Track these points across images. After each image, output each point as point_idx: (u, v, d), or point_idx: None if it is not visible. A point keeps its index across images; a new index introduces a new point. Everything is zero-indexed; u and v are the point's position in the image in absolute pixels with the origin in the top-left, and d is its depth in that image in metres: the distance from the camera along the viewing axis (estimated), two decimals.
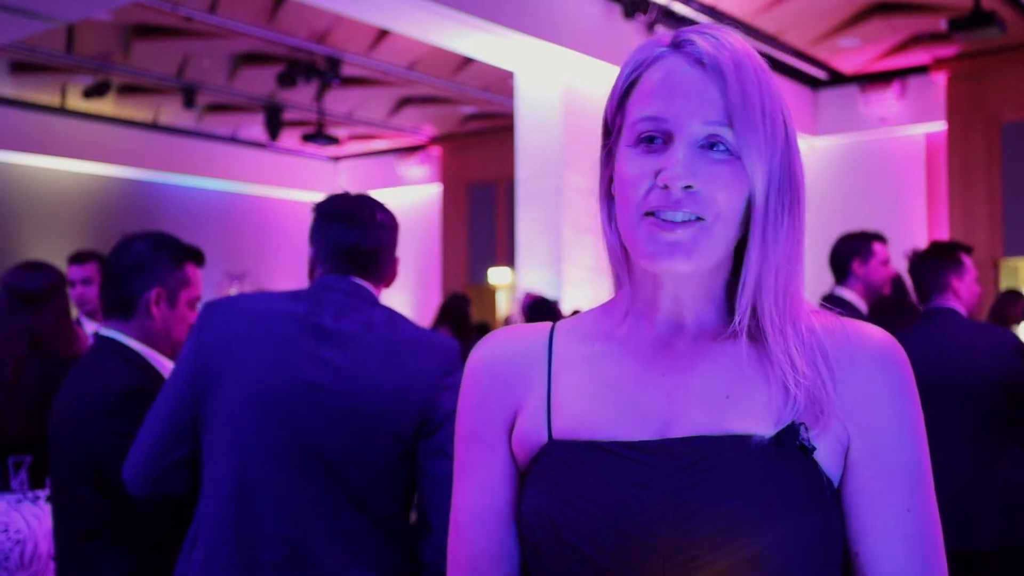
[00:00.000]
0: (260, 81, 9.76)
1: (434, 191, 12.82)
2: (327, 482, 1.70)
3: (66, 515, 1.99)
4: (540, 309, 5.36)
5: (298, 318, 1.78)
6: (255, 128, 11.67)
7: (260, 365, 1.73)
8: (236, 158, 12.38)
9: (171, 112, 11.00)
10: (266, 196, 13.07)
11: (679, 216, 0.87)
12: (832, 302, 2.99)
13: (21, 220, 10.62)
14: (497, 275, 11.75)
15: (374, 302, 1.85)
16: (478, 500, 0.97)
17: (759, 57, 0.92)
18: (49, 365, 2.58)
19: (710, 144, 0.88)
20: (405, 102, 10.86)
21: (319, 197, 1.97)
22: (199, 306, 1.99)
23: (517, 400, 0.97)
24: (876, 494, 0.89)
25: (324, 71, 8.91)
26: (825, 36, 8.45)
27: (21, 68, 9.31)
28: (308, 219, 1.94)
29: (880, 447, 0.90)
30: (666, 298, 0.94)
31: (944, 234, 8.90)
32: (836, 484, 0.90)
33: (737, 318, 0.92)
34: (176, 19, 7.82)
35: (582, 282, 7.25)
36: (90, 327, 3.65)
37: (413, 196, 13.00)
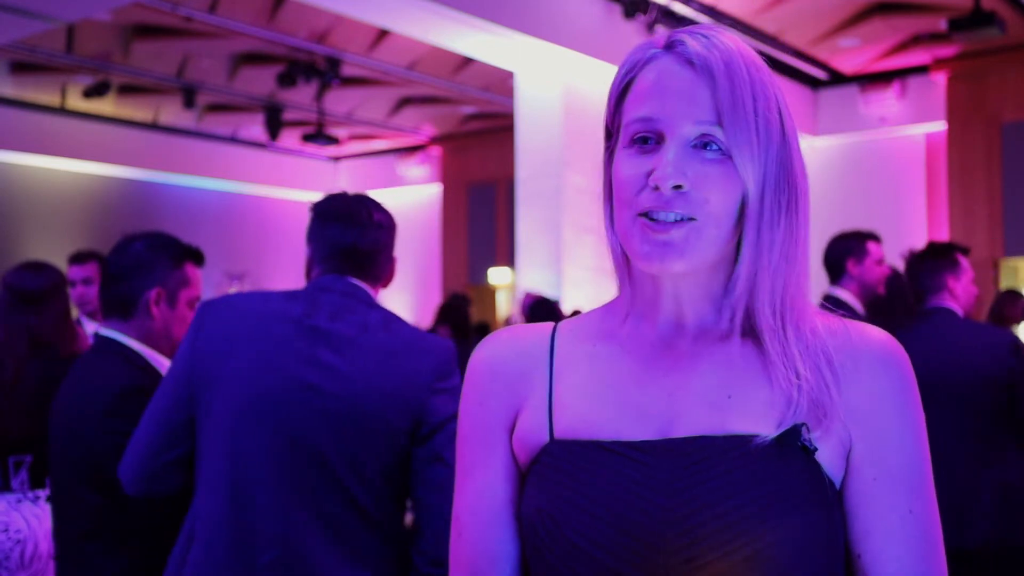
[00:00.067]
0: (260, 81, 9.77)
1: (434, 191, 12.83)
2: (323, 483, 1.70)
3: (66, 515, 1.99)
4: (541, 309, 5.36)
5: (294, 319, 1.77)
6: (255, 128, 11.67)
7: (255, 366, 1.73)
8: (236, 158, 12.39)
9: (171, 112, 11.00)
10: (266, 196, 13.07)
11: (671, 216, 0.87)
12: (828, 302, 3.00)
13: (21, 220, 10.62)
14: (497, 275, 11.75)
15: (371, 303, 1.85)
16: (479, 499, 0.98)
17: (755, 56, 0.92)
18: (49, 365, 2.58)
19: (703, 144, 0.88)
20: (405, 102, 10.86)
21: (319, 197, 1.97)
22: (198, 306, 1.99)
23: (518, 400, 0.97)
24: (878, 496, 0.89)
25: (324, 71, 8.91)
26: (825, 36, 8.45)
27: (21, 68, 9.31)
28: (307, 219, 1.94)
29: (883, 449, 0.90)
30: (666, 298, 0.94)
31: (944, 234, 8.90)
32: (838, 485, 0.90)
33: (726, 317, 0.93)
34: (176, 19, 7.83)
35: (582, 282, 7.25)
36: (90, 327, 3.65)
37: (413, 196, 13.00)
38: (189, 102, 9.91)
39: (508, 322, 8.87)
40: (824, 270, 3.50)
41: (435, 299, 11.41)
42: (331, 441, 1.70)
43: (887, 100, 9.30)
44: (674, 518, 0.85)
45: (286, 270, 12.44)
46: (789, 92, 8.60)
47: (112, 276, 2.10)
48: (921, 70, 9.14)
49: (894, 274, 3.72)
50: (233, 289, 11.67)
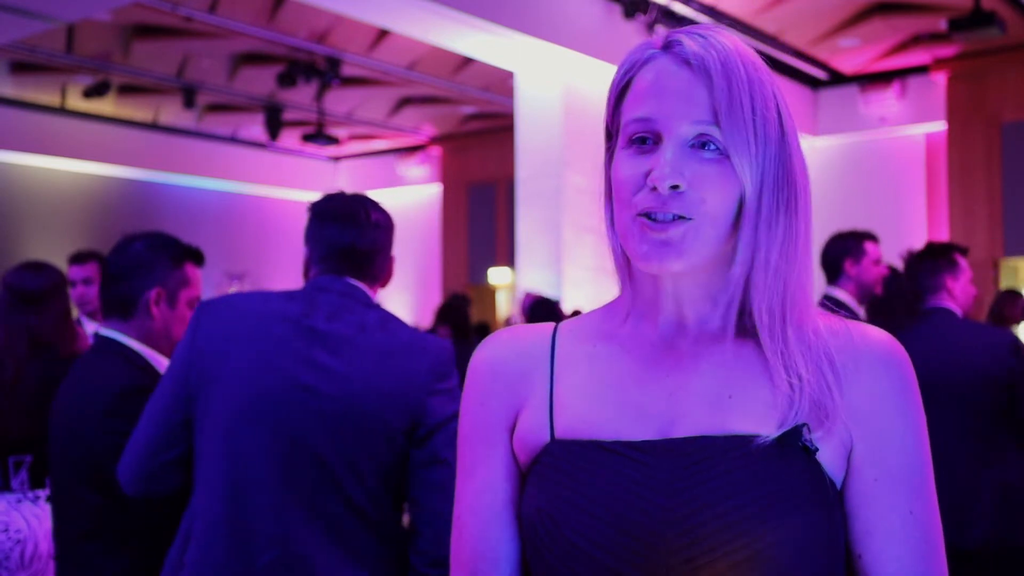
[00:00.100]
0: (260, 81, 9.77)
1: (434, 191, 12.83)
2: (321, 484, 1.70)
3: (66, 515, 1.99)
4: (541, 309, 5.36)
5: (291, 319, 1.77)
6: (255, 128, 11.67)
7: (252, 366, 1.73)
8: (236, 158, 12.39)
9: (171, 112, 11.00)
10: (266, 196, 13.07)
11: (668, 216, 0.87)
12: (825, 302, 3.00)
13: (21, 220, 10.62)
14: (497, 275, 11.76)
15: (368, 303, 1.84)
16: (480, 499, 0.98)
17: (753, 56, 0.92)
18: (49, 365, 2.58)
19: (701, 144, 0.88)
20: (405, 102, 10.86)
21: (318, 197, 1.97)
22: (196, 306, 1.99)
23: (519, 400, 0.97)
24: (880, 496, 0.89)
25: (324, 71, 8.91)
26: (825, 36, 8.46)
27: (21, 68, 9.31)
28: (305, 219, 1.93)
29: (884, 450, 0.90)
30: (667, 298, 0.94)
31: (944, 234, 8.90)
32: (839, 486, 0.90)
33: (707, 311, 0.93)
34: (176, 19, 7.83)
35: (582, 282, 7.25)
36: (90, 327, 3.65)
37: (413, 196, 13.00)
38: (189, 102, 9.91)
39: (508, 322, 8.87)
40: (821, 270, 3.50)
41: (435, 299, 11.41)
42: (329, 442, 1.70)
43: (887, 100, 9.30)
44: (674, 518, 0.85)
45: (286, 270, 12.44)
46: (789, 92, 8.61)
47: (112, 276, 2.10)
48: (921, 70, 9.15)
49: (893, 274, 3.72)
50: (233, 289, 11.67)
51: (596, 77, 7.14)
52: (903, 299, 3.44)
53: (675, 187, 0.87)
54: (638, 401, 0.92)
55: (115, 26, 8.12)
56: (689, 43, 0.90)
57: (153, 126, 11.46)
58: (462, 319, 6.05)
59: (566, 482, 0.89)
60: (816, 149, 9.77)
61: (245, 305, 1.82)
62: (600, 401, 0.93)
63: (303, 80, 8.96)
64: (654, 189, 0.87)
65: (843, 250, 3.39)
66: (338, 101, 10.61)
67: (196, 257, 2.18)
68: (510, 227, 9.98)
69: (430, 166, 12.79)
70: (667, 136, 0.88)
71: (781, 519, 0.84)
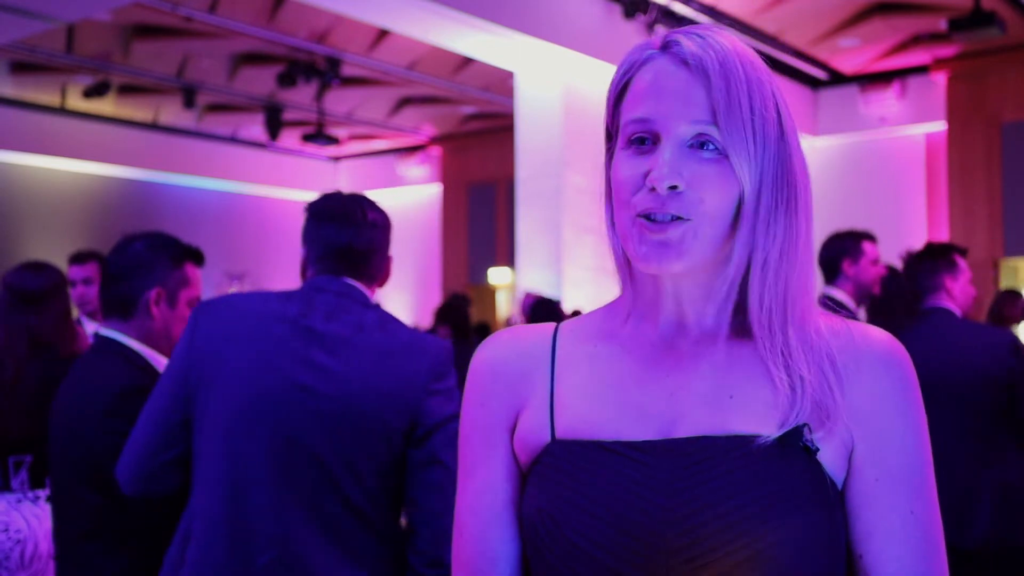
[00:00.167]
0: (260, 81, 9.77)
1: (434, 191, 12.83)
2: (319, 484, 1.70)
3: (66, 515, 1.99)
4: (542, 309, 5.36)
5: (289, 319, 1.77)
6: (255, 128, 11.68)
7: (250, 367, 1.73)
8: (236, 158, 12.39)
9: (171, 112, 11.00)
10: (266, 196, 13.07)
11: (667, 217, 0.87)
12: (822, 302, 2.99)
13: (21, 220, 10.62)
14: (497, 275, 11.76)
15: (366, 303, 1.84)
16: (480, 499, 0.98)
17: (752, 55, 0.92)
18: (49, 365, 2.58)
19: (700, 144, 0.88)
20: (405, 102, 10.86)
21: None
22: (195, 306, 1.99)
23: (520, 400, 0.97)
24: (881, 496, 0.89)
25: (324, 71, 8.91)
26: (825, 36, 8.46)
27: (21, 68, 9.32)
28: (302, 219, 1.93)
29: (885, 450, 0.90)
30: (667, 299, 0.94)
31: (944, 234, 8.91)
32: (840, 486, 0.90)
33: (704, 313, 0.93)
34: (176, 19, 7.83)
35: (582, 282, 7.25)
36: (90, 327, 3.65)
37: (413, 196, 13.01)
38: (189, 102, 9.91)
39: (508, 322, 8.87)
40: (819, 270, 3.50)
41: (435, 299, 11.41)
42: (327, 442, 1.70)
43: (887, 100, 9.30)
44: (674, 518, 0.85)
45: (286, 270, 12.44)
46: (789, 92, 8.61)
47: (112, 276, 2.10)
48: (921, 70, 9.15)
49: (891, 274, 3.71)
50: (233, 289, 11.67)
51: (596, 77, 7.14)
52: (903, 299, 3.44)
53: (673, 187, 0.87)
54: (638, 401, 0.92)
55: (115, 26, 8.12)
56: (687, 43, 0.90)
57: (153, 126, 11.47)
58: (462, 319, 6.05)
59: (567, 482, 0.89)
60: (816, 149, 9.77)
61: (243, 305, 1.82)
62: (601, 401, 0.93)
63: (303, 80, 8.96)
64: (653, 189, 0.87)
65: (841, 250, 3.39)
66: (338, 101, 10.61)
67: (196, 257, 2.18)
68: (510, 227, 9.99)
69: (430, 166, 12.79)
70: (665, 136, 0.88)
71: (782, 519, 0.84)
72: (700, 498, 0.85)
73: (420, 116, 11.53)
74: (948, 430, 2.90)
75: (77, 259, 3.86)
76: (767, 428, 0.87)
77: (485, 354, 1.01)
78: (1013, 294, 6.05)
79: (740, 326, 0.93)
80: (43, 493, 2.33)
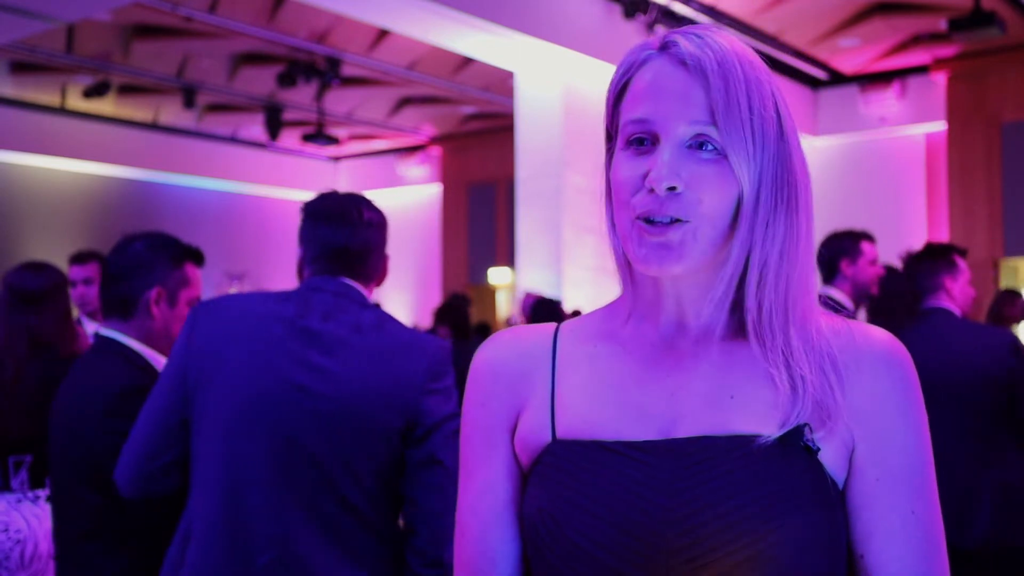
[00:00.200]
0: (260, 81, 9.77)
1: (434, 191, 12.83)
2: (318, 484, 1.69)
3: (66, 515, 1.99)
4: (543, 309, 5.36)
5: (285, 320, 1.76)
6: (255, 128, 11.68)
7: (247, 368, 1.72)
8: (236, 158, 12.39)
9: (171, 112, 11.00)
10: (266, 196, 13.07)
11: (666, 219, 0.87)
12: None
13: (21, 220, 10.62)
14: (497, 275, 11.76)
15: (363, 303, 1.84)
16: (481, 500, 0.98)
17: (751, 54, 0.91)
18: (49, 365, 2.58)
19: (699, 144, 0.88)
20: (405, 102, 10.86)
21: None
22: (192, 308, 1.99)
23: (520, 401, 0.97)
24: (882, 496, 0.89)
25: (324, 71, 8.91)
26: (825, 36, 8.46)
27: (21, 68, 9.32)
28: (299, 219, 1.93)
29: (886, 450, 0.90)
30: (667, 299, 0.94)
31: (944, 234, 8.91)
32: (841, 486, 0.90)
33: (705, 313, 0.92)
34: (176, 19, 7.83)
35: (582, 282, 7.25)
36: (91, 327, 3.65)
37: (413, 196, 13.01)
38: (189, 102, 9.91)
39: (508, 322, 8.87)
40: (817, 269, 3.48)
41: (435, 299, 11.42)
42: (324, 443, 1.70)
43: (887, 100, 9.31)
44: (675, 518, 0.85)
45: (286, 270, 12.44)
46: (789, 92, 8.61)
47: (112, 276, 2.10)
48: (921, 70, 9.15)
49: (890, 274, 3.71)
50: (233, 289, 11.68)
51: (596, 77, 7.15)
52: (903, 299, 3.44)
53: (672, 188, 0.86)
54: (639, 401, 0.92)
55: (115, 26, 8.12)
56: (685, 44, 0.90)
57: (153, 126, 11.47)
58: (462, 319, 6.05)
59: (568, 482, 0.89)
60: (816, 149, 9.77)
61: (240, 306, 1.82)
62: (601, 401, 0.93)
63: (303, 80, 8.96)
64: (651, 191, 0.87)
65: (839, 250, 3.39)
66: (338, 101, 10.61)
67: (196, 257, 2.18)
68: (510, 227, 9.99)
69: (430, 166, 12.79)
70: (664, 137, 0.88)
71: (782, 519, 0.84)
72: (701, 498, 0.85)
73: (420, 116, 11.53)
74: (948, 430, 2.90)
75: (77, 259, 3.86)
76: (768, 428, 0.87)
77: (486, 354, 1.01)
78: (1012, 294, 6.05)
79: (741, 326, 0.93)
80: (43, 493, 2.33)
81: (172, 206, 11.87)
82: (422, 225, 12.82)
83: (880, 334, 0.93)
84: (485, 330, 7.61)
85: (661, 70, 0.90)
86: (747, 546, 0.83)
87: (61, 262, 3.55)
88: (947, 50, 8.76)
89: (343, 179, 13.61)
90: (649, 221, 0.87)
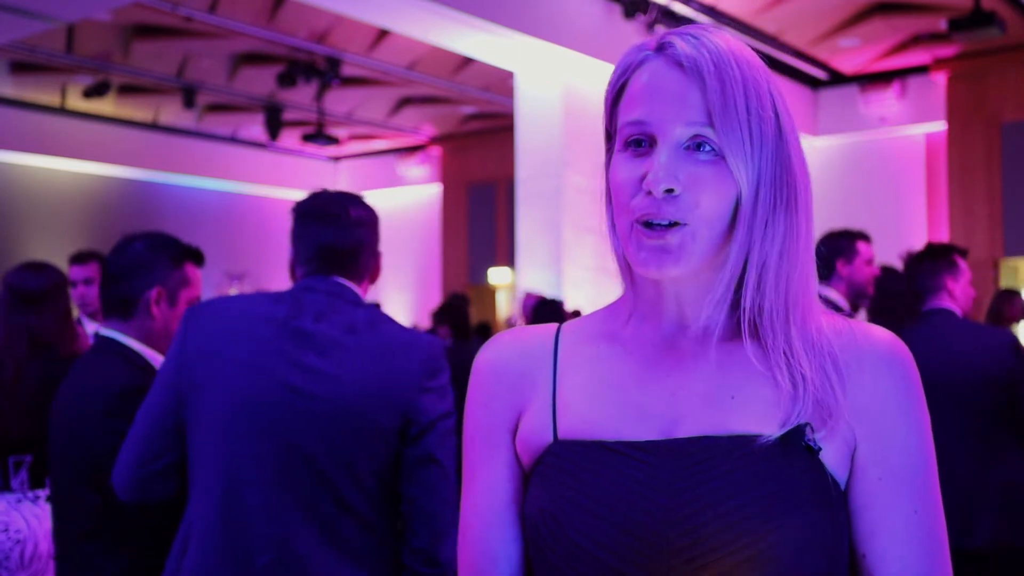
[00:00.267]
0: (260, 81, 9.77)
1: (434, 191, 12.83)
2: (316, 485, 1.69)
3: (66, 515, 1.99)
4: (545, 310, 5.36)
5: (279, 321, 1.76)
6: (255, 128, 11.68)
7: (241, 370, 1.72)
8: (236, 158, 12.39)
9: (171, 112, 11.00)
10: (266, 196, 13.07)
11: (664, 221, 0.87)
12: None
13: (21, 220, 10.63)
14: (497, 275, 11.76)
15: (357, 302, 1.83)
16: (482, 500, 0.98)
17: (748, 54, 0.91)
18: (49, 365, 2.58)
19: (696, 145, 0.88)
20: (405, 102, 10.86)
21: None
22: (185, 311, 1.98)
23: (522, 401, 0.98)
24: (884, 496, 0.89)
25: (324, 71, 8.91)
26: (825, 36, 8.46)
27: (21, 68, 9.32)
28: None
29: (888, 449, 0.90)
30: (668, 300, 0.94)
31: (944, 234, 8.91)
32: (843, 486, 0.90)
33: (705, 314, 0.92)
34: (176, 19, 7.83)
35: (582, 282, 7.25)
36: (91, 327, 3.65)
37: (413, 196, 13.01)
38: (189, 102, 9.91)
39: (508, 322, 8.87)
40: None
41: (435, 299, 11.42)
42: (321, 443, 1.69)
43: (887, 100, 9.31)
44: (676, 518, 0.85)
45: (286, 270, 12.42)
46: (789, 92, 8.61)
47: (112, 276, 2.10)
48: (921, 70, 9.15)
49: (892, 274, 3.71)
50: (233, 289, 11.68)
51: (596, 77, 7.14)
52: (902, 300, 3.44)
53: (670, 191, 0.86)
54: (640, 401, 0.92)
55: (115, 26, 8.12)
56: (681, 44, 0.89)
57: (153, 126, 11.47)
58: (462, 319, 6.05)
59: (569, 482, 0.89)
60: (816, 149, 9.77)
61: (233, 308, 1.81)
62: (602, 401, 0.93)
63: (303, 80, 8.96)
64: (649, 193, 0.87)
65: (835, 250, 3.38)
66: (338, 101, 10.61)
67: (196, 257, 2.18)
68: (510, 227, 9.99)
69: (430, 166, 12.79)
70: (661, 139, 0.88)
71: (783, 519, 0.84)
72: (701, 498, 0.85)
73: (420, 116, 11.53)
74: (949, 430, 2.90)
75: (78, 259, 3.86)
76: (769, 428, 0.87)
77: (488, 355, 1.01)
78: (1011, 294, 6.05)
79: (741, 326, 0.93)
80: (43, 493, 2.33)
81: (172, 206, 11.87)
82: (422, 225, 12.82)
83: (882, 333, 0.93)
84: (485, 330, 7.61)
85: (657, 72, 0.90)
86: (747, 546, 0.83)
87: (61, 262, 3.55)
88: (947, 50, 8.77)
89: (343, 179, 13.62)
90: (648, 224, 0.87)
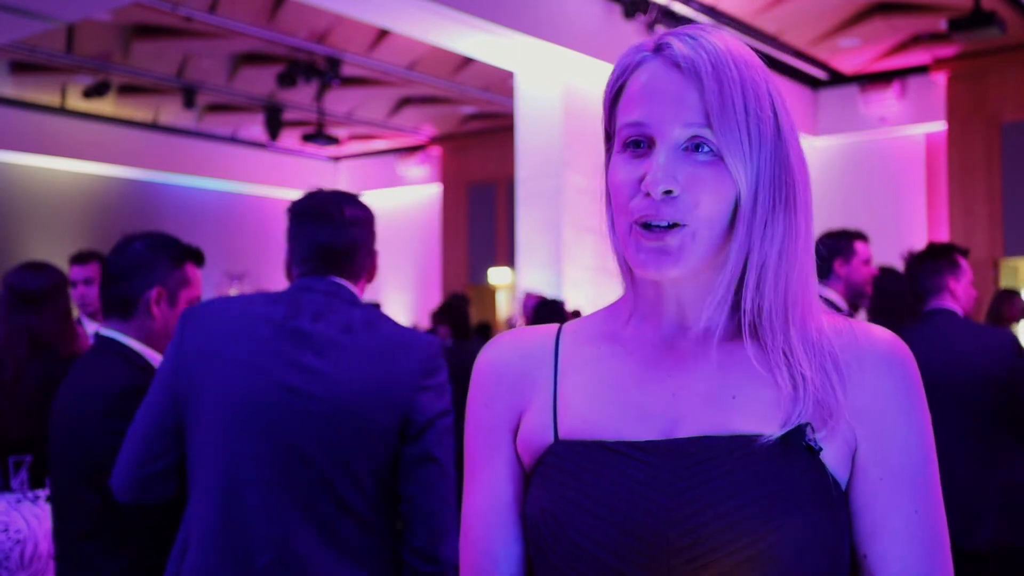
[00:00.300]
0: (260, 81, 9.77)
1: (434, 191, 12.83)
2: (315, 484, 1.69)
3: (66, 515, 1.99)
4: (545, 310, 5.35)
5: (276, 321, 1.76)
6: (255, 128, 11.68)
7: (239, 371, 1.72)
8: (236, 158, 12.39)
9: (171, 112, 11.00)
10: (266, 196, 13.07)
11: (663, 223, 0.87)
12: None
13: (21, 220, 10.63)
14: (497, 275, 11.76)
15: (354, 301, 1.83)
16: (483, 501, 0.98)
17: (747, 54, 0.91)
18: (49, 365, 2.58)
19: (695, 146, 0.88)
20: (405, 102, 10.86)
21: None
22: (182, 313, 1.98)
23: (522, 401, 0.98)
24: (885, 496, 0.89)
25: (324, 71, 8.91)
26: (825, 36, 8.46)
27: (21, 68, 9.32)
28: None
29: (889, 449, 0.90)
30: (668, 301, 0.94)
31: (944, 234, 8.91)
32: (844, 486, 0.90)
33: (706, 316, 0.92)
34: (176, 19, 7.83)
35: (582, 282, 7.25)
36: (91, 327, 3.65)
37: (413, 196, 13.01)
38: (189, 102, 9.91)
39: (509, 322, 8.87)
40: None
41: (435, 299, 11.42)
42: (319, 443, 1.69)
43: (887, 100, 9.31)
44: (676, 518, 0.85)
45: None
46: (789, 92, 8.61)
47: (112, 276, 2.10)
48: (921, 70, 9.15)
49: (893, 274, 3.70)
50: (233, 289, 11.68)
51: (596, 77, 7.14)
52: (903, 300, 3.44)
53: (668, 192, 0.86)
54: (640, 402, 0.92)
55: (115, 26, 8.12)
56: (679, 45, 0.89)
57: (153, 126, 11.47)
58: (462, 319, 6.04)
59: (570, 482, 0.89)
60: (816, 149, 9.77)
61: (230, 309, 1.81)
62: (603, 402, 0.93)
63: (303, 80, 8.96)
64: (648, 194, 0.87)
65: (833, 250, 3.37)
66: (338, 101, 10.61)
67: (196, 257, 2.18)
68: (510, 227, 9.99)
69: (430, 166, 12.79)
70: (660, 140, 0.88)
71: (783, 519, 0.83)
72: (701, 498, 0.85)
73: (420, 116, 11.53)
74: (949, 431, 2.90)
75: (78, 259, 3.86)
76: (769, 428, 0.87)
77: (489, 356, 1.01)
78: (1011, 294, 6.05)
79: (741, 326, 0.93)
80: (43, 493, 2.33)
81: (172, 206, 11.87)
82: (422, 225, 12.82)
83: (882, 333, 0.93)
84: (485, 330, 7.61)
85: (655, 72, 0.90)
86: (748, 546, 0.83)
87: (61, 262, 3.55)
88: (947, 50, 8.77)
89: (343, 179, 13.62)
90: (647, 226, 0.87)
